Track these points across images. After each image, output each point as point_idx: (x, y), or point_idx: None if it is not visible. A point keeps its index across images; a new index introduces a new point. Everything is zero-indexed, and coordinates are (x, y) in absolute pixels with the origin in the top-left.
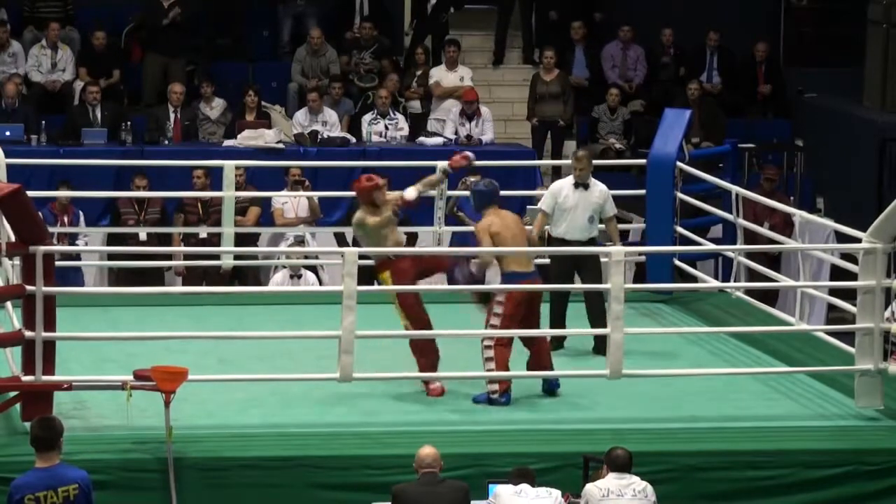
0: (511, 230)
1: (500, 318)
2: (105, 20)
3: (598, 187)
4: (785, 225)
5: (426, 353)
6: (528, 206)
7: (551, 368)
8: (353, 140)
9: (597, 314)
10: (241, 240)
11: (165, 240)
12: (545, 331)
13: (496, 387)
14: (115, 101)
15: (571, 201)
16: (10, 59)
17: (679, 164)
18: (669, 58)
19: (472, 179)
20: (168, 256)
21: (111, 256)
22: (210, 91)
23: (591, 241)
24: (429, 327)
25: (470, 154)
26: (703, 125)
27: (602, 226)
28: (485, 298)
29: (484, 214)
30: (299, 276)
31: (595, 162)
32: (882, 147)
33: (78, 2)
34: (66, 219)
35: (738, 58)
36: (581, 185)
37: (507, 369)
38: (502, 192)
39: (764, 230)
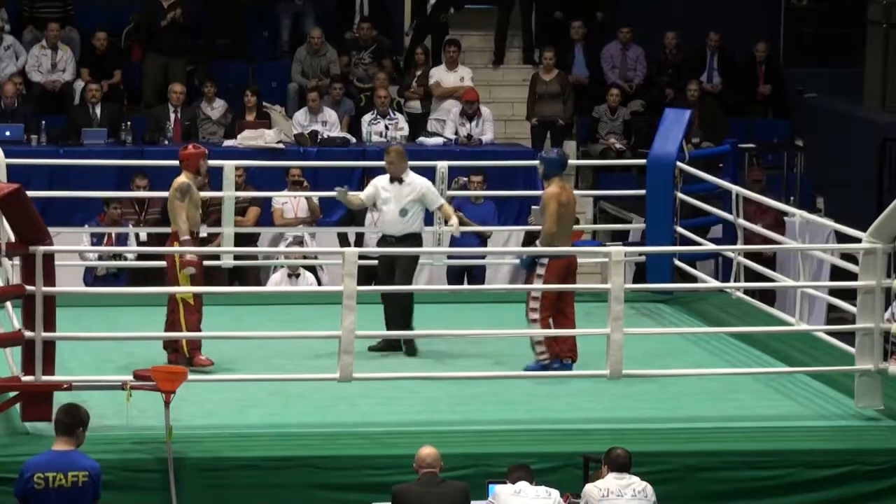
0: (572, 204)
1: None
2: (105, 20)
3: (415, 181)
4: (776, 225)
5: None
6: (532, 207)
7: (568, 347)
8: (353, 140)
9: (394, 314)
10: (240, 240)
11: (166, 240)
12: (538, 331)
13: (546, 355)
14: (115, 101)
15: (385, 195)
16: (7, 53)
17: (679, 164)
18: (671, 58)
19: (465, 179)
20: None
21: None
22: (212, 91)
23: (409, 237)
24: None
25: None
26: (703, 125)
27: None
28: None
29: (550, 183)
30: (297, 276)
31: (595, 162)
32: (882, 147)
33: (78, 2)
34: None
35: (738, 58)
36: (395, 179)
37: (550, 340)
38: (501, 192)
39: (761, 230)
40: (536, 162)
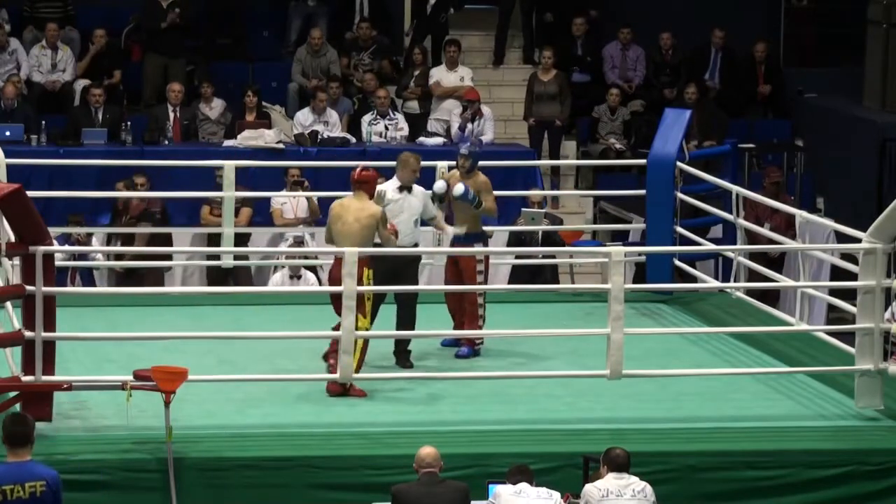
0: None
1: (484, 274)
2: (105, 20)
3: (420, 190)
4: (787, 226)
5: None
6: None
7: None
8: (353, 140)
9: (404, 321)
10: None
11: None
12: (546, 331)
13: (481, 340)
14: (115, 101)
15: (396, 205)
16: (10, 58)
17: (679, 164)
18: (668, 59)
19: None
20: (167, 257)
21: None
22: (210, 91)
23: (414, 249)
24: None
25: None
26: (702, 125)
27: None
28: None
29: (474, 175)
30: (299, 277)
31: (595, 162)
32: (882, 147)
33: (78, 2)
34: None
35: (738, 58)
36: (406, 188)
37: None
38: (501, 192)
39: (765, 231)
40: (538, 162)
